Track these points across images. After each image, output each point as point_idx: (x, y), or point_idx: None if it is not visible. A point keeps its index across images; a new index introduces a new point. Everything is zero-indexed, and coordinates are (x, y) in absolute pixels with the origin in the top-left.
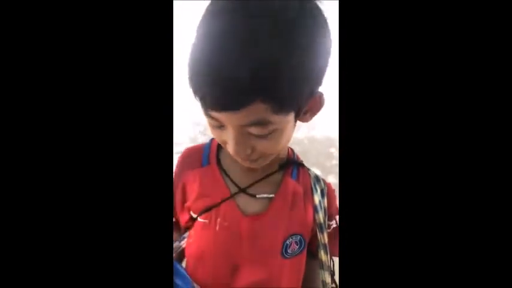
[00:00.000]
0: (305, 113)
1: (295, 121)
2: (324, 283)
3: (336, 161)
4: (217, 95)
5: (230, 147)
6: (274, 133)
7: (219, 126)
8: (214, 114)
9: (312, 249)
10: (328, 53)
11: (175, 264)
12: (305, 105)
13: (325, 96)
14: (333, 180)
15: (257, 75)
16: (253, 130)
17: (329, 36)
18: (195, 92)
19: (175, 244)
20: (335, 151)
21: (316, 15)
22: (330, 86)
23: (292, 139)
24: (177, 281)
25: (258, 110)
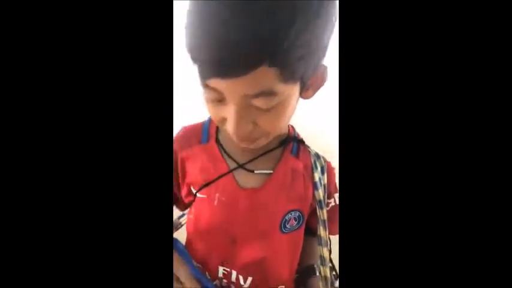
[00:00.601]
0: (307, 89)
1: (299, 95)
2: (323, 258)
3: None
4: (221, 59)
5: (230, 124)
6: (278, 106)
7: (218, 100)
8: (216, 83)
9: (311, 227)
10: (331, 30)
11: (175, 241)
12: (310, 76)
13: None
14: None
15: (264, 37)
16: (258, 102)
17: (333, 15)
18: (195, 59)
19: (174, 220)
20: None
21: None
22: (330, 84)
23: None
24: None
25: (265, 76)
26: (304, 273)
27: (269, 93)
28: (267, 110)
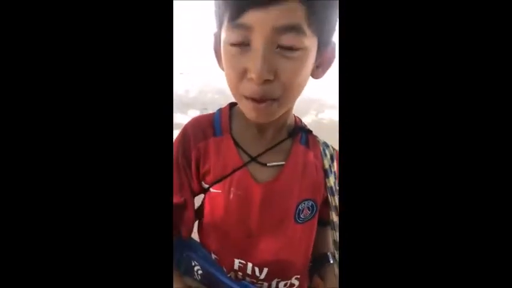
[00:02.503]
0: (318, 66)
1: (314, 63)
2: (336, 243)
3: None
4: None
5: (253, 68)
6: (299, 58)
7: (244, 43)
8: (248, 17)
9: (322, 217)
10: (337, 13)
11: (189, 240)
12: (325, 47)
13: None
14: None
15: None
16: (287, 37)
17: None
18: (227, 2)
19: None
20: None
21: None
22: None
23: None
24: (191, 254)
25: (295, 10)
26: (317, 262)
27: (297, 29)
28: (290, 59)
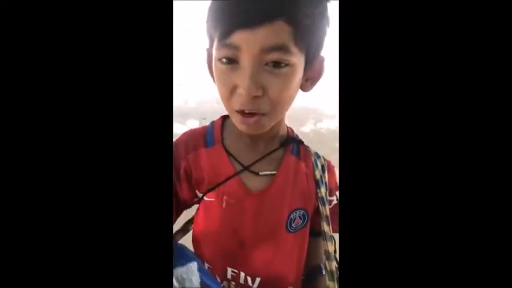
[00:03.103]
0: (307, 80)
1: (302, 78)
2: (328, 253)
3: None
4: (244, 12)
5: (242, 85)
6: (287, 74)
7: (232, 61)
8: (237, 37)
9: (314, 227)
10: (326, 30)
11: (182, 247)
12: (311, 62)
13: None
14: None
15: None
16: (273, 55)
17: (328, 18)
18: (218, 20)
19: (182, 226)
20: None
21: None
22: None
23: (298, 133)
24: (184, 262)
25: (280, 30)
26: (310, 274)
27: (283, 48)
28: (277, 75)
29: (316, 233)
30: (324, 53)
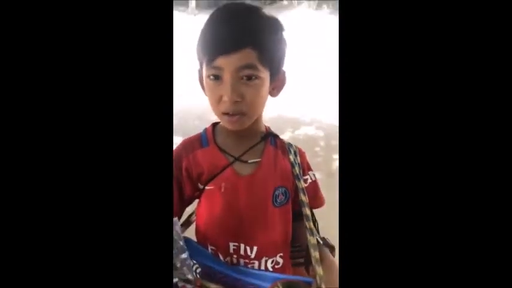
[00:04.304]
0: (273, 88)
1: (269, 87)
2: (309, 229)
3: (320, 159)
4: (223, 41)
5: (226, 95)
6: (258, 83)
7: (217, 78)
8: (219, 61)
9: (295, 209)
10: (284, 50)
11: (189, 241)
12: (275, 71)
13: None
14: (319, 176)
15: (248, 31)
16: (245, 72)
17: (284, 41)
18: (205, 50)
19: (185, 220)
20: (319, 150)
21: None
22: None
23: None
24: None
25: (249, 54)
26: (301, 249)
27: (253, 67)
28: (250, 85)
29: (297, 215)
30: (326, 55)
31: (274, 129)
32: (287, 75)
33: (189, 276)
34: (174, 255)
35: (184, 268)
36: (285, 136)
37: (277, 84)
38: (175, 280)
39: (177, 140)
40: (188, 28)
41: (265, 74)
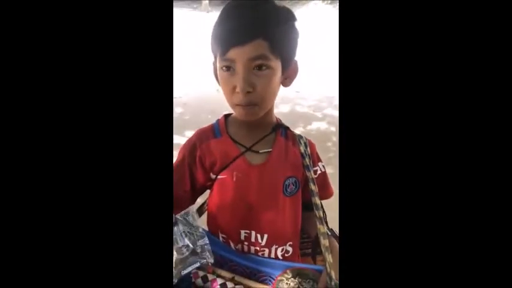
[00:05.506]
0: (286, 78)
1: (281, 77)
2: (319, 218)
3: (332, 154)
4: (234, 33)
5: (238, 85)
6: (269, 74)
7: (230, 69)
8: (232, 52)
9: (305, 199)
10: (296, 40)
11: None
12: (287, 65)
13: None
14: (330, 170)
15: (259, 23)
16: (257, 62)
17: (296, 31)
18: (218, 42)
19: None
20: (331, 145)
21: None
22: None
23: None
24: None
25: (261, 45)
26: (314, 243)
27: (263, 57)
28: (261, 75)
29: (307, 205)
30: (328, 54)
31: (286, 124)
32: (299, 65)
33: (211, 260)
34: (192, 242)
35: (206, 253)
36: (297, 131)
37: (289, 74)
38: (195, 265)
39: (190, 134)
40: (203, 25)
41: (276, 64)
